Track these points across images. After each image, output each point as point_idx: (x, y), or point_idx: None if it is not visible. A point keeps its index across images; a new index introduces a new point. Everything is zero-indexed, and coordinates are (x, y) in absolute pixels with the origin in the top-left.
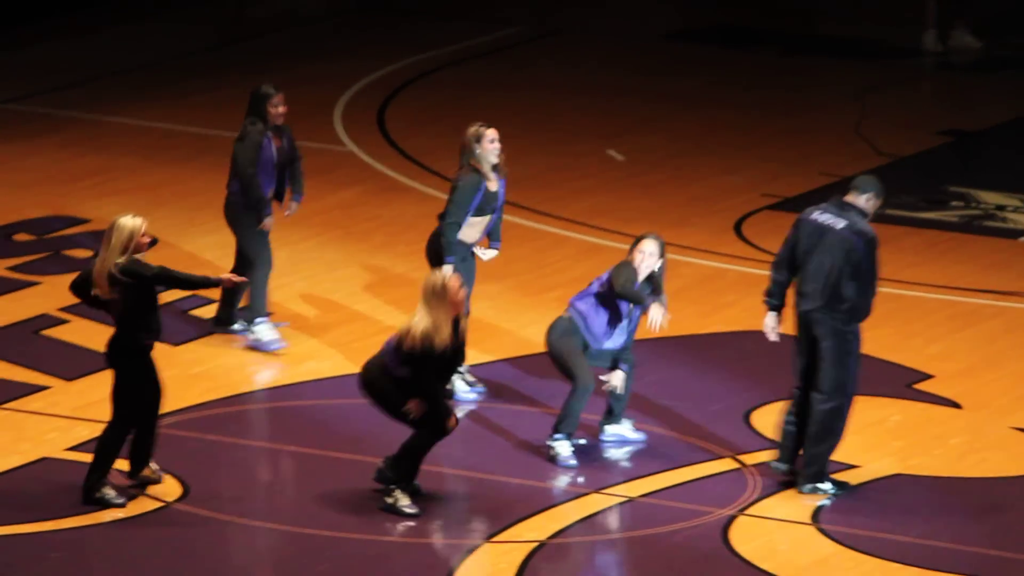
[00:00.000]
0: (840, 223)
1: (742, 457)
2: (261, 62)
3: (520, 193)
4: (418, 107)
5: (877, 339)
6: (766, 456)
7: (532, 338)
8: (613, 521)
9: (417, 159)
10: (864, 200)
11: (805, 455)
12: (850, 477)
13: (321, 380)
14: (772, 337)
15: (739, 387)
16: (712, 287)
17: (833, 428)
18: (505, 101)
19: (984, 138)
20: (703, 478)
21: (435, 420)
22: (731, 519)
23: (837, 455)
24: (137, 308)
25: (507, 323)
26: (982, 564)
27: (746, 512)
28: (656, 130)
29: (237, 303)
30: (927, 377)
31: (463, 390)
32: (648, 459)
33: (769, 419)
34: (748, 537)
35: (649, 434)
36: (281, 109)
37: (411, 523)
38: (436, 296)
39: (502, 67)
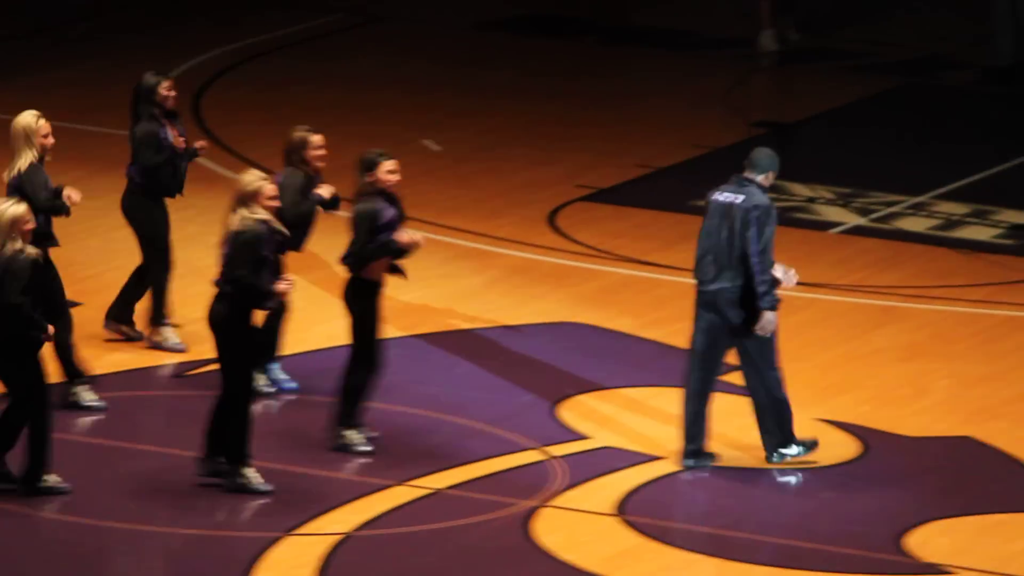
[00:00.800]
0: (739, 198)
1: (549, 449)
2: (77, 49)
3: (337, 184)
4: (234, 96)
5: (686, 331)
6: (571, 448)
7: (339, 332)
8: (419, 513)
9: (234, 149)
10: (761, 177)
11: (764, 429)
12: (655, 470)
13: (121, 372)
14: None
15: (548, 379)
16: (525, 278)
17: (778, 397)
18: (320, 91)
19: (796, 130)
20: (509, 470)
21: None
22: (535, 510)
23: (641, 447)
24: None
25: (319, 315)
26: (783, 554)
27: (550, 504)
28: (471, 121)
29: (134, 301)
30: (732, 369)
31: (270, 384)
32: (455, 451)
33: (577, 411)
34: (551, 528)
35: (457, 425)
36: (172, 94)
37: (231, 510)
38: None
39: (319, 56)
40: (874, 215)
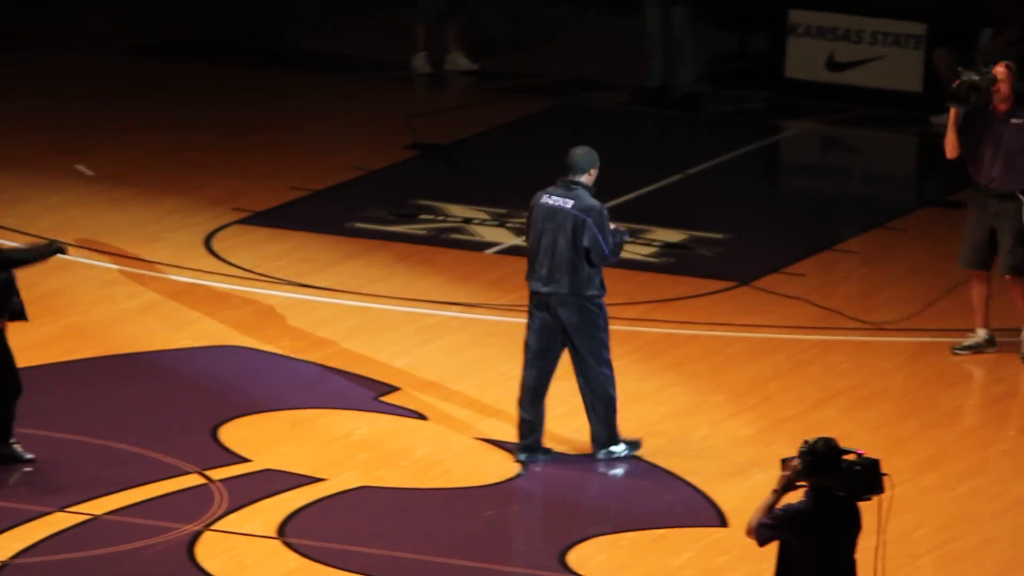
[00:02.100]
0: (569, 203)
1: (209, 472)
2: None
3: None
4: None
5: (344, 353)
6: (232, 471)
7: None
8: (78, 540)
9: None
10: (585, 177)
11: (594, 428)
12: (316, 491)
13: None
14: None
15: (207, 402)
16: (181, 302)
17: (611, 395)
18: None
19: (450, 151)
20: (170, 494)
21: None
22: (197, 535)
23: (302, 468)
24: None
25: None
26: (446, 574)
27: (212, 527)
28: (126, 145)
29: None
30: (394, 389)
31: None
32: (113, 476)
33: (236, 434)
34: (214, 552)
35: (115, 450)
36: None
37: None
38: None
39: None
40: None
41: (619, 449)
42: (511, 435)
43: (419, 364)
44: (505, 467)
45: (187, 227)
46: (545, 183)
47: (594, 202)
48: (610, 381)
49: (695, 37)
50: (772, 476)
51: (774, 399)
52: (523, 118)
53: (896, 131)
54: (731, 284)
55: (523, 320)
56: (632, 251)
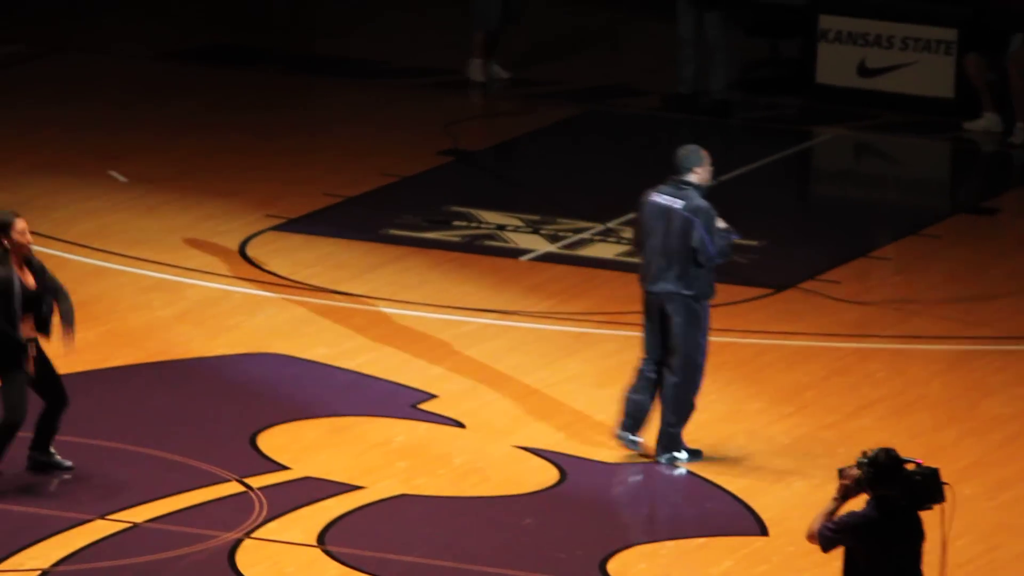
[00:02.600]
0: (678, 203)
1: (248, 480)
2: None
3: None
4: None
5: (381, 360)
6: (271, 479)
7: None
8: (118, 548)
9: None
10: (694, 176)
11: (662, 427)
12: (355, 499)
13: None
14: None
15: (245, 410)
16: (218, 309)
17: (686, 400)
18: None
19: (483, 158)
20: (209, 502)
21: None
22: (238, 543)
23: (341, 476)
24: None
25: None
26: None
27: (252, 535)
28: (159, 151)
29: None
30: (431, 397)
31: None
32: (153, 484)
33: (274, 441)
34: (254, 561)
35: (155, 458)
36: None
37: None
38: None
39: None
40: (564, 242)
41: (682, 456)
42: (550, 442)
43: (456, 371)
44: (544, 475)
45: (222, 233)
46: (579, 191)
47: (702, 202)
48: (694, 387)
49: (728, 43)
50: (811, 484)
51: (811, 407)
52: (553, 125)
53: (928, 137)
54: (766, 291)
55: (561, 328)
56: None
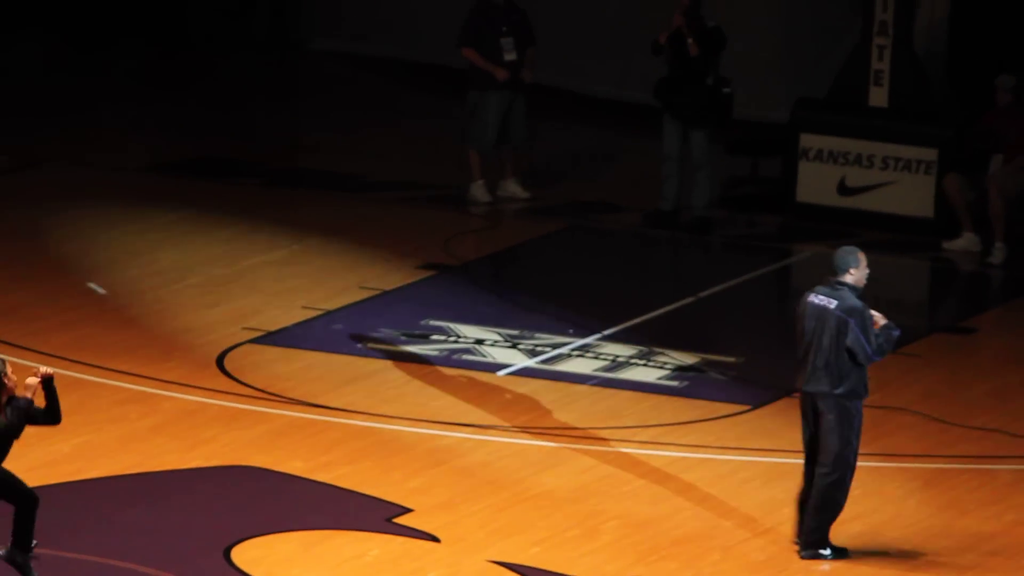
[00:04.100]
0: (833, 303)
1: None
2: None
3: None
4: None
5: (356, 473)
6: None
7: None
8: None
9: None
10: (849, 277)
11: (808, 524)
12: None
13: None
14: None
15: (219, 522)
16: (193, 421)
17: (835, 499)
18: None
19: (463, 272)
20: None
21: None
22: None
23: None
24: None
25: None
26: None
27: None
28: (137, 264)
29: None
30: (407, 511)
31: None
32: None
33: (249, 554)
34: None
35: (129, 571)
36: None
37: None
38: None
39: None
40: (542, 357)
41: (826, 553)
42: (525, 557)
43: (432, 485)
44: None
45: (199, 346)
46: (558, 306)
47: (857, 303)
48: (843, 487)
49: (712, 161)
50: None
51: (787, 524)
52: (532, 240)
53: (908, 256)
54: (743, 408)
55: (537, 443)
56: (644, 374)
